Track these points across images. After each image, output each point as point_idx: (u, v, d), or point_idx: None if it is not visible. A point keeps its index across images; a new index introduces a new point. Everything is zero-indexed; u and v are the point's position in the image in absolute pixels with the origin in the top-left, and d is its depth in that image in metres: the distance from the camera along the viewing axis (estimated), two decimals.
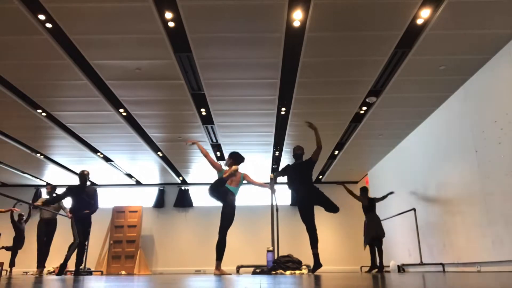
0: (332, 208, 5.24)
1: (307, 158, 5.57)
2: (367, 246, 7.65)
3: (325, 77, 5.95)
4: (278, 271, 5.10)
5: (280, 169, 5.65)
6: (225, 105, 6.84)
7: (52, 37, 4.90)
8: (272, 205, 6.02)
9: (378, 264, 7.45)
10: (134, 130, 7.97)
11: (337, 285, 2.02)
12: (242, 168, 5.31)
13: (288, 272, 5.08)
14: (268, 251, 4.93)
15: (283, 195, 11.62)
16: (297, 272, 5.09)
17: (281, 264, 5.17)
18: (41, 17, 4.52)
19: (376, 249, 7.55)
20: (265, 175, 11.19)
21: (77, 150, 9.01)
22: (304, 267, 5.38)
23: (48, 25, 4.67)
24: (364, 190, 8.11)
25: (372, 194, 10.58)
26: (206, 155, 5.20)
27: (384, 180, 10.06)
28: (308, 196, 5.29)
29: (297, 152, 5.64)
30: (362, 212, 8.02)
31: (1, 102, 6.57)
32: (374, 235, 7.51)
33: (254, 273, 5.63)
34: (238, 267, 6.94)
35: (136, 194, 12.51)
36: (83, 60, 5.43)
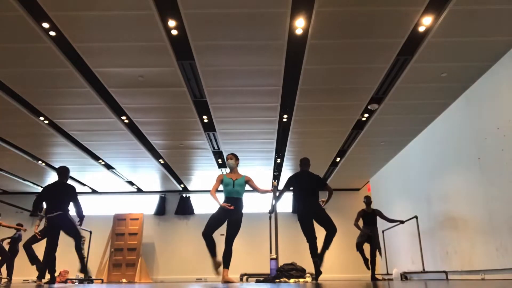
0: (331, 228, 5.23)
1: (315, 174, 5.61)
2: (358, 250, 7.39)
3: (327, 84, 5.96)
4: (282, 279, 5.07)
5: (284, 184, 5.62)
6: (227, 112, 6.85)
7: (56, 45, 4.92)
8: (272, 213, 6.01)
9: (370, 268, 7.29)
10: (136, 138, 7.98)
11: None
12: (245, 172, 5.33)
13: (292, 280, 5.05)
14: (271, 259, 4.91)
15: (285, 202, 11.60)
16: (301, 280, 5.05)
17: (284, 272, 5.14)
18: (45, 25, 4.54)
19: (368, 255, 7.32)
20: (267, 182, 11.19)
21: (79, 158, 9.02)
22: (308, 275, 5.35)
23: (52, 33, 4.69)
24: (367, 198, 7.90)
25: (374, 201, 10.56)
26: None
27: (386, 187, 10.04)
28: (311, 211, 5.30)
29: (306, 163, 5.69)
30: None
31: (4, 109, 6.59)
32: (367, 236, 7.29)
33: (257, 281, 5.60)
34: (242, 276, 6.91)
35: (137, 201, 12.47)
36: (86, 68, 5.46)
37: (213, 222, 4.86)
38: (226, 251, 4.87)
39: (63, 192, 5.60)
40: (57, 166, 9.59)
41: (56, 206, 5.49)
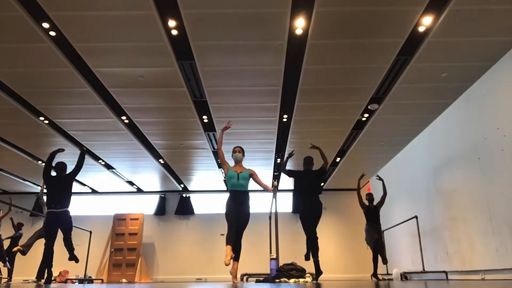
0: (314, 232, 5.32)
1: (317, 168, 5.72)
2: (371, 252, 7.50)
3: (327, 84, 5.96)
4: (282, 279, 5.07)
5: (290, 168, 5.72)
6: (227, 112, 6.85)
7: (56, 45, 4.92)
8: (272, 212, 6.01)
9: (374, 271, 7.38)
10: (136, 138, 7.98)
11: None
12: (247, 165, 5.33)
13: (292, 280, 5.05)
14: (271, 259, 4.91)
15: (285, 202, 11.60)
16: (301, 280, 5.05)
17: (284, 272, 5.15)
18: (45, 25, 4.54)
19: (377, 255, 7.43)
20: (267, 183, 11.17)
21: None
22: (308, 275, 5.35)
23: (52, 33, 4.69)
24: (370, 195, 7.91)
25: (374, 201, 10.55)
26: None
27: (386, 187, 10.01)
28: (312, 210, 5.39)
29: (309, 161, 5.83)
30: (363, 219, 7.86)
31: (4, 109, 6.58)
32: (376, 238, 7.33)
33: (257, 281, 5.60)
34: (242, 276, 6.92)
35: (137, 201, 12.47)
36: (86, 68, 5.46)
37: (233, 219, 4.81)
38: (236, 244, 4.87)
39: (66, 185, 5.63)
40: None
41: (60, 201, 5.49)
